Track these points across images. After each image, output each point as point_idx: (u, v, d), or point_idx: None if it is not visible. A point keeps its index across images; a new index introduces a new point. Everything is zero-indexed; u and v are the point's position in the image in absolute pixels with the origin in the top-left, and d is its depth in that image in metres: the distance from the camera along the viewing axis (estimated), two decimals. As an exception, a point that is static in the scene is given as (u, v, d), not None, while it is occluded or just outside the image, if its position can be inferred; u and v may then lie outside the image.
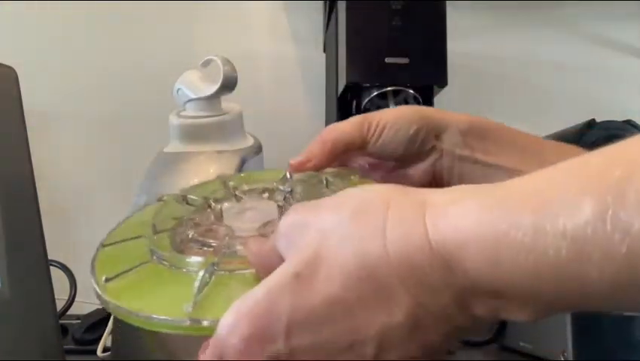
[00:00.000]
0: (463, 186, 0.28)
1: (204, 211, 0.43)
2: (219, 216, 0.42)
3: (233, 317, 0.29)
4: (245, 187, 0.45)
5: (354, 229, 0.28)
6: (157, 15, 1.12)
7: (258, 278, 0.34)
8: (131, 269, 0.38)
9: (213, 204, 0.43)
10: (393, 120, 0.51)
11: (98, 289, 0.36)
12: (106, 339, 0.68)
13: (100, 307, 0.81)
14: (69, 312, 0.78)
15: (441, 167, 0.50)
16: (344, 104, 0.88)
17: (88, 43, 1.10)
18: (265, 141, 0.75)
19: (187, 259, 0.37)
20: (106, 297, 0.36)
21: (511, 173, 0.48)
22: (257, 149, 0.73)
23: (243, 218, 0.42)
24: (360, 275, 0.27)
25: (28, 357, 0.45)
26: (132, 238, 0.43)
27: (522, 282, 0.25)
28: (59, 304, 0.65)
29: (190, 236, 0.40)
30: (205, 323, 0.32)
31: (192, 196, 0.45)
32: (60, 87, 1.09)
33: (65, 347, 0.48)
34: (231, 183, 0.45)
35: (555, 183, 0.25)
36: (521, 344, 0.75)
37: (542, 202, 0.24)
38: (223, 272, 0.35)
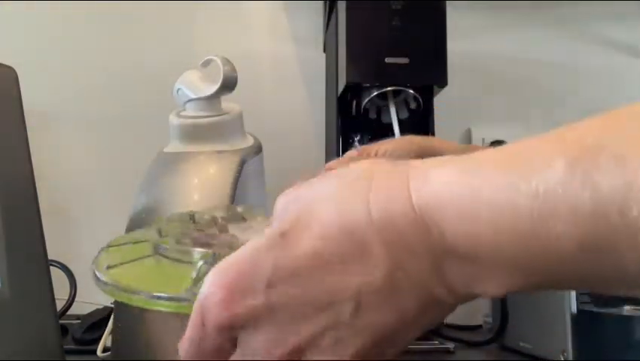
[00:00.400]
0: (447, 156, 0.29)
1: (210, 226, 0.45)
2: (224, 230, 0.43)
3: (216, 271, 0.29)
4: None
5: (339, 193, 0.29)
6: (157, 15, 1.12)
7: None
8: (133, 260, 0.39)
9: (220, 220, 0.45)
10: (391, 151, 0.54)
11: (98, 274, 0.37)
12: (106, 339, 0.68)
13: (100, 307, 0.81)
14: (69, 312, 0.78)
15: None
16: (344, 104, 0.88)
17: (88, 43, 1.10)
18: (265, 141, 0.75)
19: (189, 251, 0.37)
20: (106, 279, 0.36)
21: None
22: (257, 149, 0.73)
23: (247, 232, 0.42)
24: (342, 233, 0.27)
25: (28, 357, 0.45)
26: (136, 242, 0.43)
27: (496, 243, 0.25)
28: (59, 304, 0.65)
29: (193, 237, 0.41)
30: None
31: (198, 214, 0.46)
32: (60, 87, 1.09)
33: (65, 347, 0.47)
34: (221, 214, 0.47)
35: (531, 147, 0.26)
36: (521, 344, 0.75)
37: (517, 163, 0.25)
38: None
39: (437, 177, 0.27)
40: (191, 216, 0.46)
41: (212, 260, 0.35)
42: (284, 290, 0.28)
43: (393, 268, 0.27)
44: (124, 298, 0.35)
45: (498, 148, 0.27)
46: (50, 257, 0.49)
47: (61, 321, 0.55)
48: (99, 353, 0.67)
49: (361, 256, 0.27)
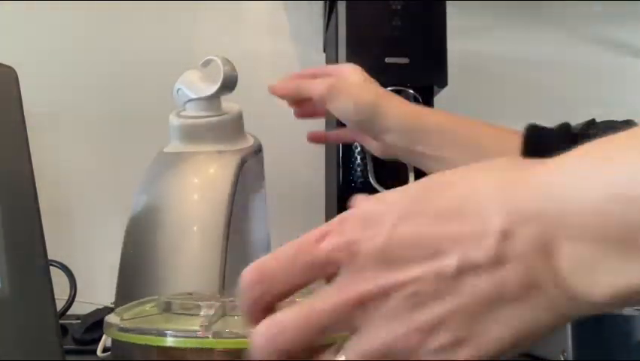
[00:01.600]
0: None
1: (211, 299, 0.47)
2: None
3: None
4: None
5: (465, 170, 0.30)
6: (157, 15, 1.12)
7: None
8: (144, 316, 0.42)
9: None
10: (353, 94, 0.63)
11: (111, 320, 0.39)
12: (106, 339, 0.68)
13: (100, 307, 0.81)
14: (69, 312, 0.78)
15: (392, 151, 0.66)
16: (344, 104, 0.88)
17: (88, 43, 1.10)
18: (265, 141, 0.75)
19: (198, 305, 0.40)
20: (119, 323, 0.39)
21: (449, 163, 0.62)
22: (257, 149, 0.73)
23: None
24: (468, 193, 0.28)
25: (28, 357, 0.45)
26: (143, 303, 0.46)
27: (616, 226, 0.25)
28: (59, 304, 0.65)
29: (198, 298, 0.45)
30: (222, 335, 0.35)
31: (196, 294, 0.50)
32: (60, 87, 1.09)
33: (65, 347, 0.47)
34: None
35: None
36: (521, 344, 0.75)
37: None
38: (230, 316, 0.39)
39: (568, 163, 0.27)
40: (190, 294, 0.49)
41: (222, 310, 0.38)
42: (407, 228, 0.28)
43: (501, 238, 0.27)
44: (137, 339, 0.37)
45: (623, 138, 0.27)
46: (50, 257, 0.49)
47: (61, 321, 0.55)
48: (98, 353, 0.67)
49: (478, 216, 0.27)
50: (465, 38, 1.12)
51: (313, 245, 0.29)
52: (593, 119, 0.71)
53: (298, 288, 0.30)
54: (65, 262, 0.80)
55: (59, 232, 1.04)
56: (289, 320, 0.29)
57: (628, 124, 0.82)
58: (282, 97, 0.67)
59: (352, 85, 0.65)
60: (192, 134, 0.70)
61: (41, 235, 0.49)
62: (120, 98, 1.10)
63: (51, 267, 0.50)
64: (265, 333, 0.29)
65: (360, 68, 0.67)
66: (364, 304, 0.28)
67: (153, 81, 1.07)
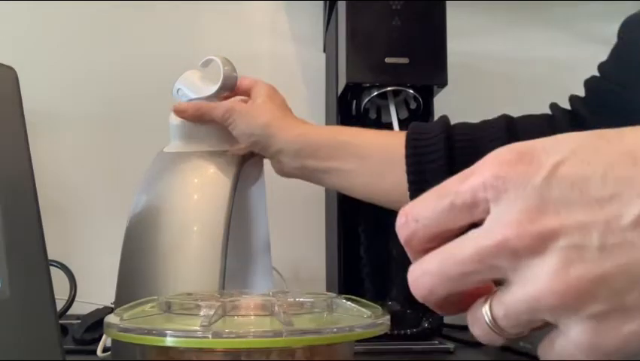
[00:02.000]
0: None
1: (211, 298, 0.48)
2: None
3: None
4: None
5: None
6: (158, 15, 1.12)
7: (263, 322, 0.39)
8: (145, 316, 0.41)
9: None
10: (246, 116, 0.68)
11: (111, 320, 0.39)
12: (106, 339, 0.68)
13: (100, 306, 0.81)
14: (69, 312, 0.78)
15: (288, 170, 0.69)
16: (344, 104, 0.88)
17: (88, 43, 1.10)
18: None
19: (198, 305, 0.40)
20: (119, 323, 0.39)
21: (340, 174, 0.65)
22: (257, 149, 0.73)
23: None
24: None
25: (28, 357, 0.44)
26: (142, 303, 0.45)
27: None
28: (59, 304, 0.65)
29: (199, 297, 0.45)
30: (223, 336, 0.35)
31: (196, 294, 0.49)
32: (60, 87, 1.09)
33: (65, 347, 0.47)
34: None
35: None
36: (521, 343, 0.75)
37: None
38: (230, 316, 0.39)
39: None
40: (190, 294, 0.48)
41: (222, 310, 0.38)
42: (574, 170, 0.25)
43: None
44: (137, 339, 0.37)
45: None
46: (50, 257, 0.49)
47: (61, 321, 0.55)
48: (98, 353, 0.67)
49: None
50: (465, 38, 1.12)
51: (458, 183, 0.27)
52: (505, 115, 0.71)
53: (451, 231, 0.27)
54: (65, 262, 0.79)
55: (59, 232, 1.04)
56: (430, 264, 0.27)
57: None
58: (186, 119, 0.69)
59: (249, 107, 0.69)
60: (192, 134, 0.70)
61: (41, 235, 0.49)
62: (121, 98, 1.10)
63: (51, 267, 0.50)
64: (410, 276, 0.28)
65: (270, 86, 0.74)
66: (512, 252, 0.24)
67: (154, 81, 1.07)
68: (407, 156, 0.62)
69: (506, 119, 0.65)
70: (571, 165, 0.25)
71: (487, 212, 0.26)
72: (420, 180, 0.61)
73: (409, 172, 0.62)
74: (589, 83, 0.65)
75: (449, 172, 0.28)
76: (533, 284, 0.24)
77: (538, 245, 0.24)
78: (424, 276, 0.27)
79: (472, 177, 0.26)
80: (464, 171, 0.27)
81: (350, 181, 0.66)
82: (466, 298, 0.28)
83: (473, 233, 0.26)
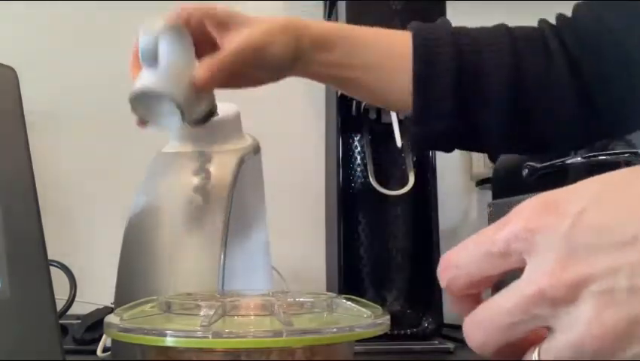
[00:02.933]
0: None
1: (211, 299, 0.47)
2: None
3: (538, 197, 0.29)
4: None
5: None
6: (157, 15, 1.12)
7: (263, 322, 0.39)
8: (144, 316, 0.41)
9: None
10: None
11: (111, 320, 0.39)
12: (106, 339, 0.68)
13: (100, 306, 0.81)
14: (69, 312, 0.78)
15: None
16: (344, 104, 0.88)
17: (88, 43, 1.10)
18: (264, 141, 0.75)
19: (198, 305, 0.40)
20: (119, 323, 0.39)
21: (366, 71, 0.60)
22: (256, 148, 0.73)
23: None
24: None
25: (28, 357, 0.45)
26: (142, 303, 0.45)
27: None
28: (59, 304, 0.65)
29: (199, 297, 0.45)
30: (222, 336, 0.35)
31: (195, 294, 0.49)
32: (60, 87, 1.09)
33: (65, 347, 0.47)
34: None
35: None
36: None
37: None
38: (230, 316, 0.39)
39: None
40: (189, 294, 0.49)
41: (222, 310, 0.38)
42: (596, 216, 0.26)
43: None
44: (137, 339, 0.37)
45: None
46: (50, 257, 0.49)
47: (61, 321, 0.56)
48: (98, 353, 0.67)
49: None
50: (465, 38, 1.12)
51: (494, 232, 0.28)
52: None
53: (489, 278, 0.29)
54: (65, 262, 0.80)
55: (59, 232, 1.04)
56: (480, 316, 0.28)
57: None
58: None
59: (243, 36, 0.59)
60: (191, 134, 0.70)
61: (41, 235, 0.49)
62: (120, 98, 1.09)
63: (51, 267, 0.50)
64: (464, 328, 0.29)
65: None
66: (550, 301, 0.26)
67: (153, 81, 1.07)
68: (415, 65, 0.59)
69: (506, 28, 0.65)
70: (594, 212, 0.26)
71: (521, 261, 0.28)
72: (427, 76, 0.59)
73: (415, 82, 0.59)
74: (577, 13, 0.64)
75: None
76: (574, 331, 0.26)
77: (572, 292, 0.26)
78: (476, 328, 0.29)
79: (506, 227, 0.28)
80: (501, 219, 0.29)
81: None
82: (520, 346, 0.29)
83: (515, 284, 0.27)
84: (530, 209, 0.28)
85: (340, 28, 0.62)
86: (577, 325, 0.26)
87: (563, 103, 0.60)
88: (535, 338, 0.28)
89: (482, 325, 0.28)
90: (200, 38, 0.57)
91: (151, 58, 0.52)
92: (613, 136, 0.70)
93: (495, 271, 0.29)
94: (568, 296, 0.26)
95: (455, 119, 0.59)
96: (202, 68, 0.54)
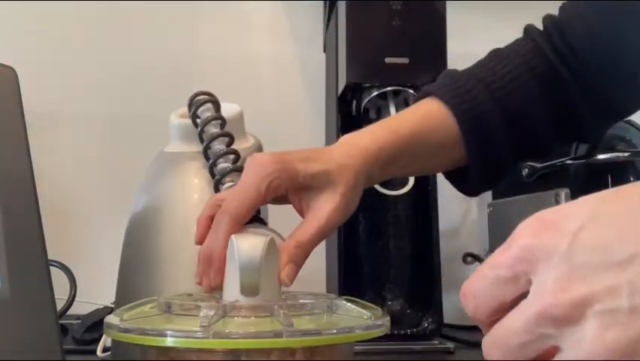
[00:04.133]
0: None
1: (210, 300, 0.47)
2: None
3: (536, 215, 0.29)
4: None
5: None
6: (158, 15, 1.12)
7: (263, 323, 0.39)
8: (145, 317, 0.41)
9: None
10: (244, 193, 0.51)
11: (111, 321, 0.39)
12: (106, 339, 0.68)
13: (100, 306, 0.81)
14: (69, 312, 0.78)
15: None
16: (344, 104, 0.88)
17: (88, 43, 1.10)
18: (265, 141, 0.75)
19: (198, 306, 0.40)
20: (119, 324, 0.39)
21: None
22: (258, 149, 0.73)
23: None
24: None
25: (29, 357, 0.45)
26: (143, 303, 0.46)
27: None
28: (59, 304, 0.65)
29: (198, 298, 0.45)
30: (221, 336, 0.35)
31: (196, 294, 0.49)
32: (60, 87, 1.09)
33: (65, 347, 0.47)
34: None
35: None
36: None
37: None
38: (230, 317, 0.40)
39: None
40: (190, 295, 0.49)
41: (222, 311, 0.38)
42: (594, 234, 0.27)
43: None
44: (136, 339, 0.37)
45: None
46: (50, 257, 0.49)
47: (61, 321, 0.56)
48: (98, 353, 0.67)
49: None
50: (465, 38, 1.12)
51: (500, 256, 0.29)
52: None
53: (508, 304, 0.29)
54: (65, 262, 0.79)
55: (59, 232, 1.04)
56: (494, 337, 0.29)
57: (628, 124, 0.82)
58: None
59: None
60: (192, 134, 0.69)
61: (41, 235, 0.49)
62: (121, 98, 1.10)
63: (51, 267, 0.50)
64: (483, 348, 0.30)
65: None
66: (553, 320, 0.27)
67: (154, 81, 1.08)
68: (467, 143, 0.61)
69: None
70: (592, 230, 0.27)
71: (530, 283, 0.28)
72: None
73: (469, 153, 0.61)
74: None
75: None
76: (578, 350, 0.26)
77: (574, 312, 0.26)
78: (493, 349, 0.29)
79: (509, 249, 0.29)
80: (505, 241, 0.29)
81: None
82: None
83: (521, 304, 0.28)
84: (528, 229, 0.28)
85: (397, 141, 0.59)
86: (582, 344, 0.26)
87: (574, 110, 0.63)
88: (549, 356, 0.29)
89: (497, 345, 0.29)
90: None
91: (254, 293, 0.44)
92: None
93: (509, 296, 0.29)
94: (572, 315, 0.26)
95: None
96: (287, 274, 0.47)
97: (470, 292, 0.31)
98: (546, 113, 0.62)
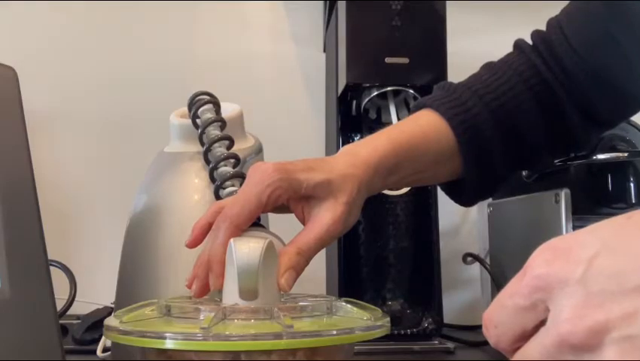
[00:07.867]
0: None
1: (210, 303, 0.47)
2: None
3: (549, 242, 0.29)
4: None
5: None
6: (157, 15, 1.12)
7: (263, 325, 0.39)
8: (144, 320, 0.41)
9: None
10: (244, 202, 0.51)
11: (110, 323, 0.39)
12: (106, 339, 0.68)
13: (100, 306, 0.81)
14: (69, 312, 0.78)
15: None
16: (344, 104, 0.88)
17: (88, 43, 1.10)
18: (265, 141, 0.75)
19: (198, 308, 0.40)
20: (119, 326, 0.39)
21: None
22: (258, 149, 0.73)
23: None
24: None
25: (29, 357, 0.45)
26: (143, 306, 0.45)
27: None
28: (59, 304, 0.65)
29: (199, 301, 0.45)
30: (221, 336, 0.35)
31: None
32: (60, 87, 1.09)
33: (65, 347, 0.47)
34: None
35: None
36: (521, 344, 0.75)
37: None
38: (230, 320, 0.39)
39: None
40: (189, 297, 0.48)
41: (221, 313, 0.38)
42: (609, 262, 0.27)
43: None
44: (136, 341, 0.37)
45: None
46: (50, 257, 0.49)
47: (61, 321, 0.55)
48: (98, 353, 0.67)
49: None
50: (465, 38, 1.12)
51: (516, 284, 0.30)
52: None
53: (530, 331, 0.30)
54: (65, 262, 0.79)
55: (59, 232, 1.04)
56: None
57: (628, 124, 0.82)
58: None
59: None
60: (192, 134, 0.69)
61: (41, 235, 0.49)
62: (121, 98, 1.10)
63: (51, 267, 0.50)
64: None
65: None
66: (571, 348, 0.27)
67: (154, 81, 1.08)
68: (463, 152, 0.63)
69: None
70: (606, 258, 0.27)
71: (548, 310, 0.28)
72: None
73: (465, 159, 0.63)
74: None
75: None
76: None
77: (592, 339, 0.26)
78: None
79: (524, 278, 0.29)
80: (521, 269, 0.30)
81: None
82: None
83: (540, 332, 0.29)
84: (541, 258, 0.29)
85: (397, 151, 0.59)
86: None
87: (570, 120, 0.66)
88: None
89: None
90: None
91: (253, 297, 0.44)
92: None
93: (529, 324, 0.29)
94: (590, 342, 0.26)
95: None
96: (286, 280, 0.47)
97: (491, 322, 0.31)
98: (539, 124, 0.64)
